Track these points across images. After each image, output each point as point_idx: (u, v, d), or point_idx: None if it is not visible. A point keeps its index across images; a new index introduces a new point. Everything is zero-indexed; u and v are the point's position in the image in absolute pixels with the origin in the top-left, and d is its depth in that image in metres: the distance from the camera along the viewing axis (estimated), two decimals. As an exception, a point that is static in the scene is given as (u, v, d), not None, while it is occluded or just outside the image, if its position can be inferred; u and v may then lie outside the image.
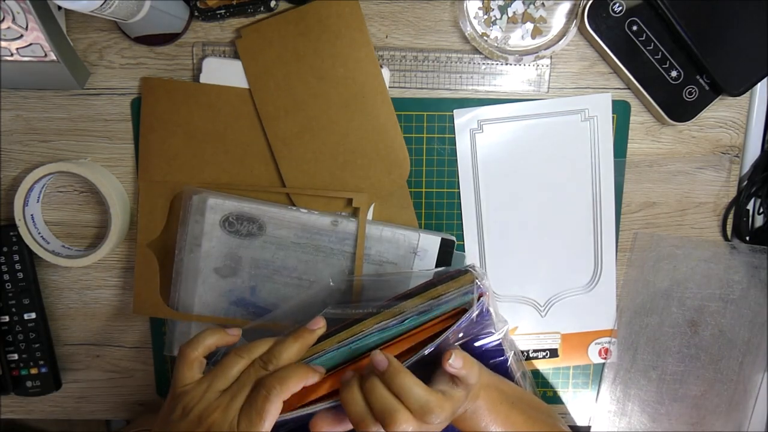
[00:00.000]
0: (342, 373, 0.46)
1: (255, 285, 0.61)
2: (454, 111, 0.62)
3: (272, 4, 0.58)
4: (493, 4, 0.59)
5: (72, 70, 0.58)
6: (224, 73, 0.60)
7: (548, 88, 0.62)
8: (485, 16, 0.60)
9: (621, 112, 0.62)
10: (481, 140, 0.62)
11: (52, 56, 0.55)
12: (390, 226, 0.61)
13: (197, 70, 0.60)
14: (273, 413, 0.42)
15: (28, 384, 0.64)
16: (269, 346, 0.47)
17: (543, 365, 0.67)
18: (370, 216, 0.62)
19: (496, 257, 0.64)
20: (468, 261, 0.64)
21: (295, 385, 0.44)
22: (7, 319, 0.63)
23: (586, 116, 0.62)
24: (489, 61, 0.61)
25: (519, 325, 0.65)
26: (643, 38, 0.59)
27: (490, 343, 0.53)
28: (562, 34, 0.60)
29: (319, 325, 0.49)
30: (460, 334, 0.50)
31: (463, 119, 0.62)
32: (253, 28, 0.59)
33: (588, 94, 0.62)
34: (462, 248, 0.64)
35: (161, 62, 0.61)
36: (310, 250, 0.60)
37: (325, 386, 0.48)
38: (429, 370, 0.47)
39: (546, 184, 0.64)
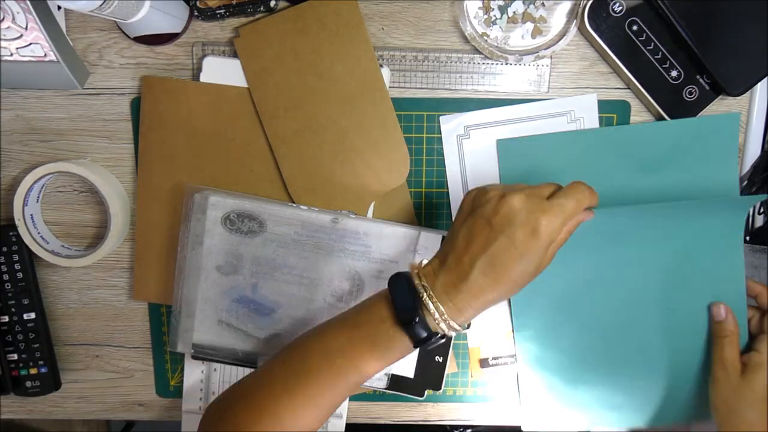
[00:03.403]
0: None
1: (256, 282, 0.61)
2: (440, 118, 0.62)
3: (272, 3, 0.58)
4: (493, 4, 0.59)
5: (72, 69, 0.58)
6: (224, 72, 0.60)
7: (548, 88, 0.62)
8: (485, 16, 0.60)
9: (621, 112, 0.62)
10: (468, 146, 0.62)
11: (52, 56, 0.55)
12: (390, 224, 0.61)
13: (197, 70, 0.60)
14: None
15: (28, 384, 0.64)
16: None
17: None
18: (370, 214, 0.62)
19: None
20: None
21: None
22: (6, 319, 0.63)
23: (572, 118, 0.62)
24: (489, 61, 0.61)
25: (509, 328, 0.65)
26: (643, 38, 0.59)
27: None
28: (562, 34, 0.60)
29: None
30: None
31: (450, 125, 0.62)
32: (252, 27, 0.59)
33: (588, 93, 0.62)
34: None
35: (161, 62, 0.61)
36: (310, 247, 0.60)
37: None
38: None
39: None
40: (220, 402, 0.50)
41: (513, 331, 0.65)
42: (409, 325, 0.46)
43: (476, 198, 0.48)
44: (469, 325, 0.48)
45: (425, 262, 0.49)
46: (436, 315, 0.46)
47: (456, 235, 0.47)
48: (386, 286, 0.48)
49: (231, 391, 0.50)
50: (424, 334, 0.46)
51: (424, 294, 0.46)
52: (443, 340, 0.48)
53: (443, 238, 0.60)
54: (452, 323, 0.46)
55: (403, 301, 0.46)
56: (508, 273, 0.45)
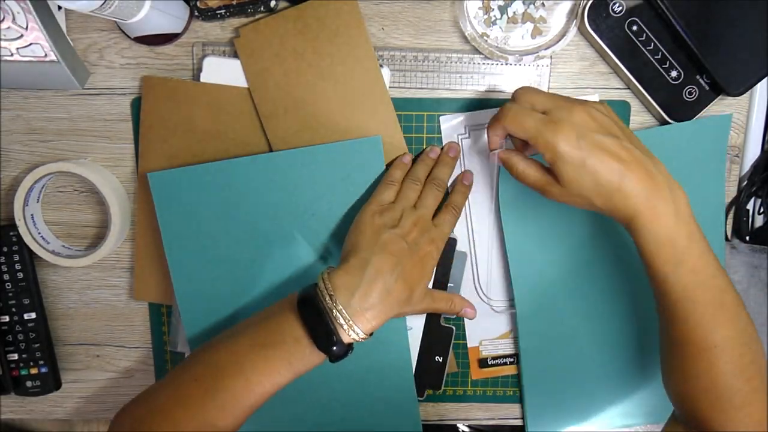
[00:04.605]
0: None
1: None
2: (440, 118, 0.62)
3: (272, 3, 0.58)
4: (493, 4, 0.59)
5: (72, 70, 0.58)
6: (224, 72, 0.60)
7: (548, 88, 0.62)
8: (485, 16, 0.60)
9: (621, 112, 0.62)
10: (468, 146, 0.62)
11: (52, 56, 0.55)
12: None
13: (197, 70, 0.60)
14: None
15: (28, 384, 0.64)
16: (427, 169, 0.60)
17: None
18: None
19: (487, 265, 0.64)
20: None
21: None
22: (7, 319, 0.63)
23: None
24: (489, 61, 0.61)
25: (507, 329, 0.65)
26: (643, 38, 0.59)
27: None
28: (562, 34, 0.60)
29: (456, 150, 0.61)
30: None
31: (450, 125, 0.62)
32: (252, 27, 0.59)
33: (588, 94, 0.62)
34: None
35: (161, 62, 0.61)
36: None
37: None
38: None
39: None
40: (131, 412, 0.51)
41: (513, 329, 0.65)
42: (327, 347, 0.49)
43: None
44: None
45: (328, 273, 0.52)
46: (353, 334, 0.49)
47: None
48: (299, 295, 0.51)
49: (143, 402, 0.51)
50: (343, 351, 0.49)
51: (340, 317, 0.49)
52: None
53: None
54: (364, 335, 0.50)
55: (318, 331, 0.49)
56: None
